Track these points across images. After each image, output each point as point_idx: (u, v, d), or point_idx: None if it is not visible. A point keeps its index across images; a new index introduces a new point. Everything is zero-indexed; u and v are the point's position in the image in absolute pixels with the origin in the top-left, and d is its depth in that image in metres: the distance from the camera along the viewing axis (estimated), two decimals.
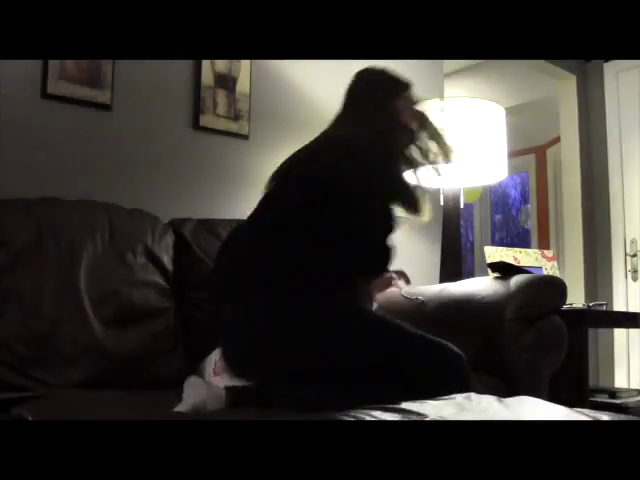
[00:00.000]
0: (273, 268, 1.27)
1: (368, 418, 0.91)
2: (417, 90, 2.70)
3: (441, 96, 2.49)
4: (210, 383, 1.38)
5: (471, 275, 2.26)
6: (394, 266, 2.49)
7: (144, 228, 1.71)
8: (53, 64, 1.79)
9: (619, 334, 3.34)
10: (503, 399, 1.20)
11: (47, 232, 1.54)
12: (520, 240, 5.20)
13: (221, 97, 2.17)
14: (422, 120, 1.56)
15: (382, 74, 1.59)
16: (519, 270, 1.79)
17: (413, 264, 2.65)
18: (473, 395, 1.12)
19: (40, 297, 1.47)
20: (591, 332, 2.45)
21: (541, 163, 4.79)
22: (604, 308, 2.38)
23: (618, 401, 2.08)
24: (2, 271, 1.45)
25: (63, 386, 1.39)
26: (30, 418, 0.93)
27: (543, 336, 1.62)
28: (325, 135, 1.52)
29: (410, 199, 1.43)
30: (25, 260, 1.48)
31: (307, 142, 2.40)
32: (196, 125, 2.11)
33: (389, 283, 1.83)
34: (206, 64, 2.13)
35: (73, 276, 1.52)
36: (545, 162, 4.74)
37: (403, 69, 2.71)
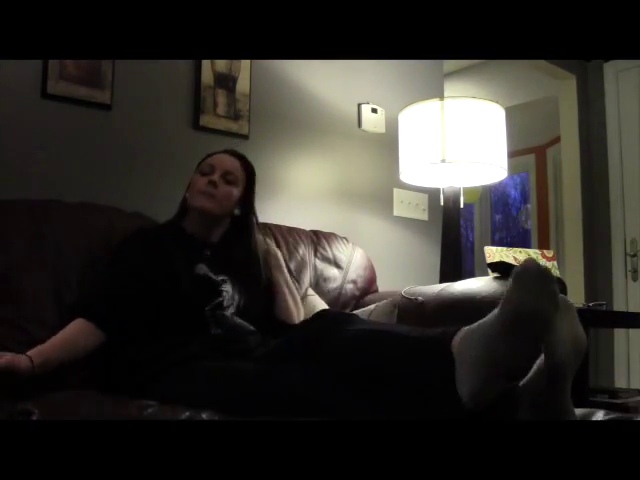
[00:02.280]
0: None
1: None
2: (417, 90, 2.72)
3: (441, 96, 2.49)
4: None
5: (471, 275, 2.25)
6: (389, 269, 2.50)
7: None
8: (53, 64, 1.79)
9: (619, 334, 3.34)
10: None
11: (48, 235, 1.54)
12: (520, 240, 5.20)
13: (221, 97, 2.17)
14: None
15: None
16: None
17: (413, 264, 2.65)
18: None
19: (40, 302, 1.47)
20: (591, 332, 2.45)
21: (541, 163, 4.79)
22: (604, 308, 2.38)
23: (618, 401, 2.07)
24: (2, 274, 1.45)
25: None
26: (36, 411, 0.93)
27: None
28: None
29: None
30: (26, 263, 1.48)
31: (307, 142, 2.42)
32: (196, 125, 2.11)
33: None
34: (206, 64, 2.13)
35: (72, 280, 1.52)
36: (545, 162, 4.74)
37: (403, 69, 2.73)
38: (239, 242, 1.62)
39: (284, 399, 1.10)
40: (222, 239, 1.62)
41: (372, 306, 1.91)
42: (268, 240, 1.74)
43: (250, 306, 1.56)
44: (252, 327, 1.51)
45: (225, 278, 1.53)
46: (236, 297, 1.53)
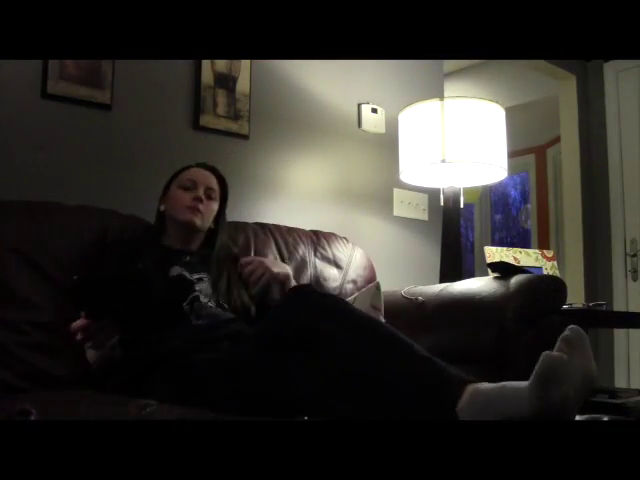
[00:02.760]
0: None
1: None
2: (417, 90, 2.72)
3: (441, 96, 2.49)
4: None
5: (471, 275, 2.25)
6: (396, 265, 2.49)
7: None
8: (53, 64, 1.79)
9: (619, 334, 3.34)
10: None
11: (47, 237, 1.54)
12: (520, 240, 5.20)
13: (221, 97, 2.17)
14: None
15: None
16: (519, 270, 1.79)
17: (413, 264, 2.65)
18: None
19: (40, 303, 1.47)
20: (591, 332, 2.45)
21: (541, 163, 4.79)
22: (604, 308, 2.37)
23: (618, 401, 2.07)
24: (3, 276, 1.45)
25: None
26: (35, 411, 0.93)
27: (543, 336, 1.62)
28: None
29: None
30: (26, 265, 1.48)
31: (307, 142, 2.42)
32: (196, 125, 2.11)
33: None
34: (206, 64, 2.13)
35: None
36: (545, 162, 4.74)
37: (403, 69, 2.72)
38: (212, 249, 1.69)
39: (282, 397, 1.09)
40: (199, 248, 1.68)
41: (357, 293, 1.92)
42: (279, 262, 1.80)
43: (229, 302, 1.60)
44: (233, 315, 1.55)
45: (201, 276, 1.58)
46: (214, 294, 1.57)
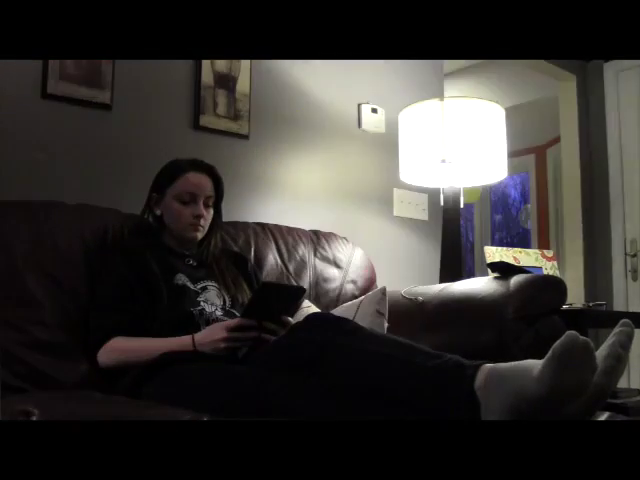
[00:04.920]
0: None
1: None
2: (417, 90, 2.72)
3: (441, 96, 2.49)
4: None
5: (471, 275, 2.26)
6: (394, 267, 2.50)
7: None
8: (53, 64, 1.79)
9: None
10: None
11: (47, 236, 1.54)
12: (520, 240, 5.20)
13: (221, 97, 2.17)
14: None
15: None
16: (519, 270, 1.79)
17: (413, 264, 2.65)
18: None
19: (40, 303, 1.47)
20: (591, 332, 2.44)
21: (541, 163, 4.79)
22: (604, 308, 2.38)
23: (618, 401, 2.07)
24: (4, 276, 1.45)
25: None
26: (36, 411, 0.93)
27: (543, 336, 1.62)
28: None
29: None
30: (26, 264, 1.48)
31: (307, 142, 2.42)
32: (196, 125, 2.11)
33: None
34: (206, 64, 2.14)
35: (72, 282, 1.53)
36: (545, 162, 4.74)
37: (403, 69, 2.73)
38: (210, 246, 1.70)
39: (288, 413, 1.08)
40: (197, 248, 1.69)
41: (362, 297, 1.92)
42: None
43: (237, 303, 1.60)
44: None
45: (205, 285, 1.59)
46: (218, 301, 1.57)
